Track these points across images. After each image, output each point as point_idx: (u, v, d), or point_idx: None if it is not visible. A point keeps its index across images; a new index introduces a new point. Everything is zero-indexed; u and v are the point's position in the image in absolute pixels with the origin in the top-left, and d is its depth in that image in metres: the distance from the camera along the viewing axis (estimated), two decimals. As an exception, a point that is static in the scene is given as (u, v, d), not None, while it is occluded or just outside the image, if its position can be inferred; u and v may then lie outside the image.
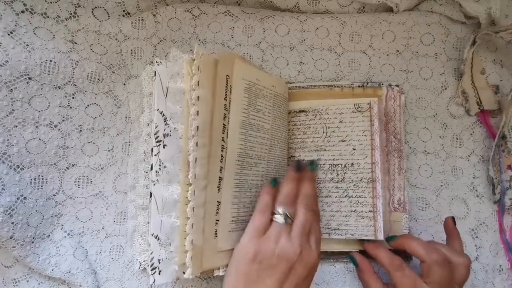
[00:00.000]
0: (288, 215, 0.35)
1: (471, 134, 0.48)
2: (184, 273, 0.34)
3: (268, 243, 0.33)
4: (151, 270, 0.34)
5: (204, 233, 0.35)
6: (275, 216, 0.35)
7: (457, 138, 0.48)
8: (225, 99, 0.37)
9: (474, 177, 0.47)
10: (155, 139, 0.36)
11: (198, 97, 0.35)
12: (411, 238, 0.39)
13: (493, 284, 0.45)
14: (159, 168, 0.35)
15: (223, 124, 0.37)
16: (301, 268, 0.33)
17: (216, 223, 0.36)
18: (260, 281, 0.32)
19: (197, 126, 0.35)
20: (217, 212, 0.36)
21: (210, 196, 0.35)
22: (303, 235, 0.35)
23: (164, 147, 0.35)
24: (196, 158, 0.34)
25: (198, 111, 0.35)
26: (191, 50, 0.47)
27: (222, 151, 0.36)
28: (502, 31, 0.44)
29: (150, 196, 0.36)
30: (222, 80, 0.37)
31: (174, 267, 0.34)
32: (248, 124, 0.39)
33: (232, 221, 0.37)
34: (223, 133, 0.37)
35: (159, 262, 0.34)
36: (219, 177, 0.36)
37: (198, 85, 0.35)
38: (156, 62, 0.37)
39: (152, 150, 0.36)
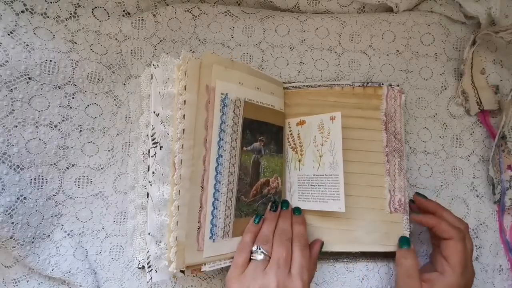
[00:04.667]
0: (265, 252, 0.37)
1: (471, 134, 0.48)
2: (179, 270, 0.35)
3: (246, 281, 0.36)
4: (148, 267, 0.35)
5: (187, 231, 0.36)
6: (253, 254, 0.38)
7: (457, 138, 0.48)
8: (208, 102, 0.37)
9: (474, 177, 0.47)
10: (152, 141, 0.36)
11: (184, 101, 0.35)
12: (442, 207, 0.41)
13: (493, 284, 0.45)
14: (156, 169, 0.36)
15: (205, 127, 0.37)
16: None
17: (199, 222, 0.36)
18: None
19: (183, 129, 0.35)
20: (200, 211, 0.37)
21: (193, 196, 0.36)
22: (280, 266, 0.36)
23: (160, 149, 0.36)
24: (181, 160, 0.35)
25: (184, 115, 0.35)
26: (191, 50, 0.47)
27: (205, 153, 0.37)
28: (502, 31, 0.44)
29: (147, 197, 0.36)
30: (203, 86, 0.37)
31: (164, 263, 0.35)
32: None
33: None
34: (206, 136, 0.37)
35: (154, 260, 0.35)
36: (202, 178, 0.37)
37: (184, 89, 0.35)
38: (153, 65, 0.37)
39: (149, 151, 0.37)
